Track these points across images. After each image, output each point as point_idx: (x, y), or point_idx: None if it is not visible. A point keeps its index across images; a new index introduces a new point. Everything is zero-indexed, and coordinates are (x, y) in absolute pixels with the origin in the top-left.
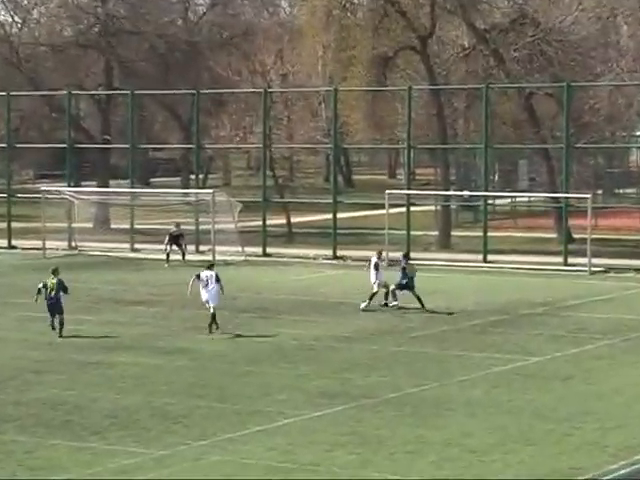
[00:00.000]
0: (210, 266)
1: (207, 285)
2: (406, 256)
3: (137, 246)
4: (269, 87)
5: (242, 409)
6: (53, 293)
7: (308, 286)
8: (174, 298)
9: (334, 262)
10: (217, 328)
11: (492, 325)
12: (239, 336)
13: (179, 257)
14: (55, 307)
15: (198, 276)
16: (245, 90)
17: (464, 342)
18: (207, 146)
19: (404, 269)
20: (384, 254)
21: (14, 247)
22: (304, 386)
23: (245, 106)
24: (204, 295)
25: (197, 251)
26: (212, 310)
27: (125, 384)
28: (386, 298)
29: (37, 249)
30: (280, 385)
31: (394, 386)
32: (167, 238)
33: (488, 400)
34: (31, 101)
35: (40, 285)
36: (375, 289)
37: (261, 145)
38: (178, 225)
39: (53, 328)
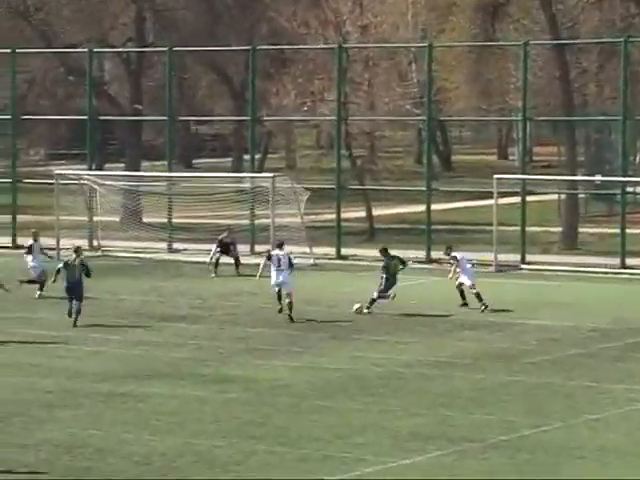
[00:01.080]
0: (280, 245)
1: (279, 266)
2: (385, 252)
3: (176, 246)
4: (344, 42)
5: (310, 454)
6: (76, 274)
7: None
8: (223, 312)
9: (428, 266)
10: (292, 322)
11: (633, 349)
12: (308, 361)
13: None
14: (75, 291)
15: (269, 257)
16: (314, 46)
17: (596, 370)
18: (265, 118)
19: (386, 268)
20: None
21: (20, 247)
22: (390, 426)
23: (314, 67)
24: (274, 277)
25: (252, 252)
26: (288, 299)
27: (161, 422)
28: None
29: (49, 249)
30: (359, 424)
31: (505, 426)
32: (216, 245)
33: (628, 445)
34: (42, 60)
35: (60, 265)
36: None
37: (335, 117)
38: (230, 230)
39: (70, 315)
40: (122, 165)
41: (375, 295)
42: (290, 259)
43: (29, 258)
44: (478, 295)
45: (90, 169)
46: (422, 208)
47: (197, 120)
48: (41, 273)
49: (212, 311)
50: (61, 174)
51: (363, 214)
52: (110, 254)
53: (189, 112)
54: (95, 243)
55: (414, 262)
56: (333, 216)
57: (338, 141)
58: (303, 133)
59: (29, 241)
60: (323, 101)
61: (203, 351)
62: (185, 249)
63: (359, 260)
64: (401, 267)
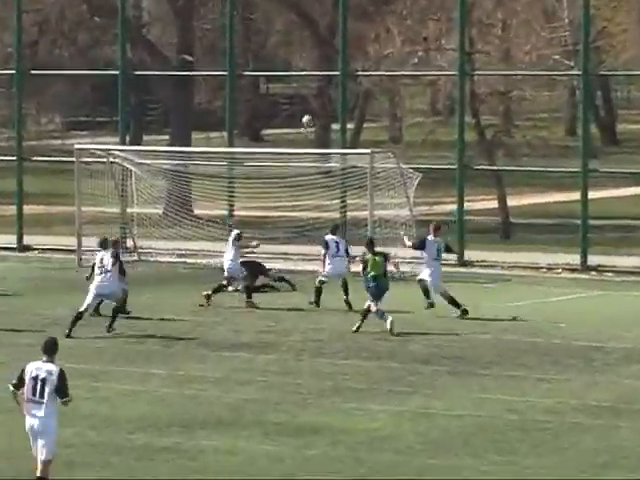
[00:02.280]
0: (335, 228)
1: (338, 251)
2: (370, 244)
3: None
4: None
5: None
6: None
7: (535, 318)
8: (303, 338)
9: (583, 276)
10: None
11: None
12: (417, 405)
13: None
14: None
15: (326, 244)
16: None
17: None
18: (361, 73)
19: (364, 266)
20: None
21: (28, 248)
22: None
23: (428, 3)
24: (334, 267)
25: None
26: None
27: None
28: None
29: (67, 250)
30: None
31: None
32: None
33: None
34: None
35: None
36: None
37: (455, 72)
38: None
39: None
40: (166, 137)
41: (373, 308)
42: (347, 245)
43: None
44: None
45: (123, 143)
46: (576, 196)
47: (268, 76)
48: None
49: (287, 336)
50: (83, 149)
51: (494, 204)
52: (149, 258)
53: (257, 66)
54: (130, 243)
55: (562, 270)
56: (453, 207)
57: (461, 105)
58: (413, 94)
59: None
60: (440, 50)
61: (275, 391)
62: (250, 252)
63: (488, 267)
64: (383, 270)
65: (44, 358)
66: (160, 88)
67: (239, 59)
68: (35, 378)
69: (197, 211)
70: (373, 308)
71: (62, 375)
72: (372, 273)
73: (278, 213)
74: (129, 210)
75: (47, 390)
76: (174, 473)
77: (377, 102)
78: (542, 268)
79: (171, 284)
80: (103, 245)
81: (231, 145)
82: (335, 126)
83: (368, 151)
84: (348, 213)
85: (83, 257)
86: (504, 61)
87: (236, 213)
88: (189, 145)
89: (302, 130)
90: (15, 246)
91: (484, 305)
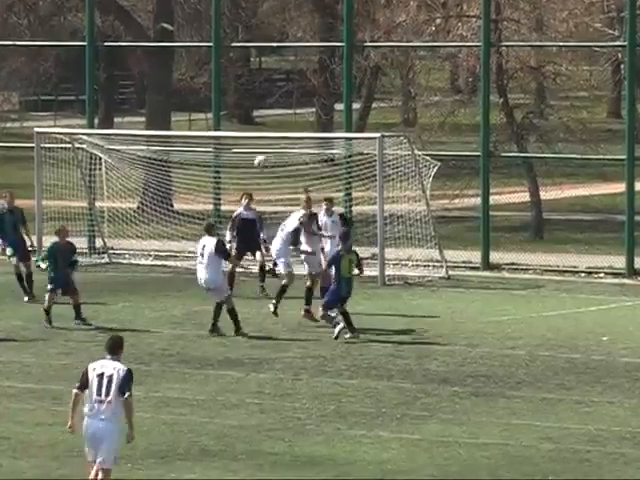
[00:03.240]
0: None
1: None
2: (345, 222)
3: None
4: None
5: None
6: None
7: (573, 331)
8: (301, 353)
9: (628, 281)
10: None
11: None
12: (435, 432)
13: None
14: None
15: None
16: None
17: None
18: (369, 44)
19: (337, 258)
20: None
21: None
22: None
23: None
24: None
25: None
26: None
27: None
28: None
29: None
30: None
31: None
32: None
33: None
34: None
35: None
36: None
37: (477, 42)
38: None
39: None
40: (142, 120)
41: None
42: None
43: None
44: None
45: (90, 126)
46: (621, 188)
47: (260, 47)
48: None
49: (283, 351)
50: (44, 133)
51: (525, 198)
52: (122, 260)
53: (248, 36)
54: (100, 243)
55: (604, 275)
56: (477, 201)
57: (485, 81)
58: (430, 68)
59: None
60: (461, 17)
61: (270, 416)
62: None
63: (518, 271)
64: (356, 272)
65: (108, 357)
66: (134, 62)
67: (226, 28)
68: (101, 375)
69: (178, 206)
70: (320, 312)
71: (129, 373)
72: (344, 274)
73: (273, 208)
74: (98, 204)
75: (113, 388)
76: None
77: (388, 78)
78: (580, 272)
79: (147, 291)
80: None
81: (217, 128)
82: (339, 106)
83: (377, 135)
84: (354, 207)
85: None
86: (536, 30)
87: (223, 208)
88: (168, 129)
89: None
90: None
91: (513, 315)
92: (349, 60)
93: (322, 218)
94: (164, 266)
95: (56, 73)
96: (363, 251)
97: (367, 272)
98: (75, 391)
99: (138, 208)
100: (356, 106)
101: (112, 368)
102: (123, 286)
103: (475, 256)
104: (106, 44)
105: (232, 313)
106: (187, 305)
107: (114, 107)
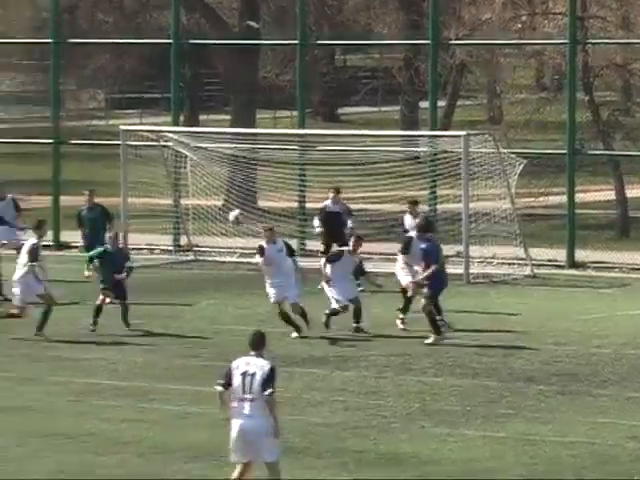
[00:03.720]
0: None
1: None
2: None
3: (310, 246)
4: None
5: None
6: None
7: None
8: (387, 351)
9: None
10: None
11: None
12: (520, 431)
13: None
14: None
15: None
16: None
17: None
18: (455, 42)
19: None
20: None
21: (63, 245)
22: None
23: None
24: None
25: None
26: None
27: None
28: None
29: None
30: None
31: None
32: None
33: None
34: None
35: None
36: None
37: (563, 40)
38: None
39: None
40: (227, 117)
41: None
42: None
43: None
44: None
45: (176, 123)
46: None
47: (346, 46)
48: None
49: (369, 349)
50: (130, 131)
51: (611, 196)
52: (207, 258)
53: (333, 33)
54: (184, 241)
55: None
56: (562, 199)
57: (571, 79)
58: (515, 66)
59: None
60: (546, 15)
61: (354, 413)
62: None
63: (605, 269)
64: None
65: (252, 353)
66: (220, 60)
67: (312, 26)
68: (244, 374)
69: (262, 203)
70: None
71: (273, 371)
72: (442, 267)
73: (357, 206)
74: (183, 202)
75: (256, 385)
76: None
77: (473, 76)
78: None
79: (231, 289)
80: None
81: (302, 126)
82: (424, 104)
83: (463, 133)
84: (439, 205)
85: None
86: (622, 28)
87: (308, 205)
88: (253, 126)
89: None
90: (51, 243)
91: (599, 314)
92: (434, 58)
93: (408, 221)
94: (249, 263)
95: (142, 71)
96: (448, 249)
97: (452, 270)
98: (220, 389)
99: (223, 205)
100: (441, 104)
101: (255, 365)
102: (208, 284)
103: (560, 254)
104: (191, 42)
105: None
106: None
107: (199, 105)
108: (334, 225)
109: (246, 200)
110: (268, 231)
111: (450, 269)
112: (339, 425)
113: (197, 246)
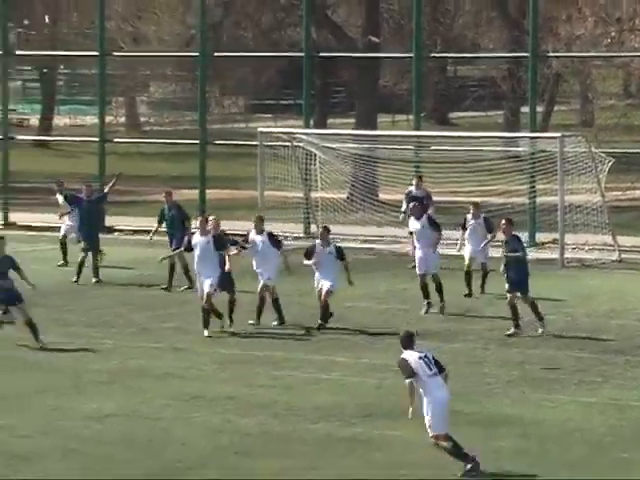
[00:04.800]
0: None
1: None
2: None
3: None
4: None
5: None
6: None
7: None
8: (491, 326)
9: None
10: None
11: None
12: (609, 396)
13: None
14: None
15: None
16: None
17: None
18: (552, 54)
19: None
20: None
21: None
22: None
23: None
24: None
25: (532, 243)
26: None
27: (403, 476)
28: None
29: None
30: None
31: None
32: None
33: None
34: None
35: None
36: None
37: None
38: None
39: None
40: (351, 121)
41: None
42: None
43: None
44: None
45: (307, 126)
46: None
47: (456, 58)
48: None
49: (476, 324)
50: (267, 133)
51: None
52: (336, 242)
53: (445, 47)
54: (313, 228)
55: None
56: None
57: None
58: (605, 76)
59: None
60: (633, 31)
61: (463, 381)
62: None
63: None
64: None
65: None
66: (345, 70)
67: (426, 40)
68: (422, 357)
69: (383, 196)
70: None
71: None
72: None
73: (465, 198)
74: (313, 195)
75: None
76: (358, 464)
77: (567, 85)
78: None
79: (355, 270)
80: None
81: (418, 128)
82: (525, 109)
83: (558, 135)
84: (537, 198)
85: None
86: None
87: None
88: (374, 128)
89: None
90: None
91: None
92: (534, 69)
93: (470, 221)
94: (370, 249)
95: (277, 80)
96: (546, 237)
97: (548, 255)
98: (408, 381)
99: (347, 198)
100: (539, 109)
101: (421, 351)
102: None
103: None
104: (321, 55)
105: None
106: (392, 282)
107: (328, 110)
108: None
109: (368, 193)
110: (324, 232)
111: (547, 254)
112: (451, 391)
113: None
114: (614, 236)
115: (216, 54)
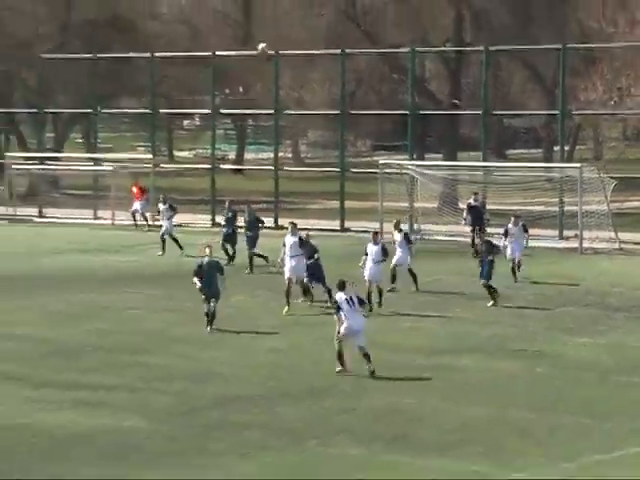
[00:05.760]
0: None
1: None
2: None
3: (490, 230)
4: None
5: (615, 427)
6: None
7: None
8: (532, 292)
9: None
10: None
11: None
12: (613, 340)
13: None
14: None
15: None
16: (621, 44)
17: None
18: (574, 112)
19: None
20: None
21: (347, 229)
22: None
23: (621, 64)
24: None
25: (560, 237)
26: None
27: (473, 393)
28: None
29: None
30: None
31: None
32: None
33: None
34: (369, 60)
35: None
36: None
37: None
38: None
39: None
40: (440, 155)
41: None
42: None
43: None
44: None
45: (411, 159)
46: None
47: (510, 114)
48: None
49: (521, 290)
50: (385, 164)
51: None
52: (429, 237)
53: (503, 106)
54: (415, 227)
55: None
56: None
57: None
58: (610, 126)
59: None
60: (629, 96)
61: (512, 329)
62: (497, 233)
63: None
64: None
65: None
66: (436, 122)
67: (490, 102)
68: (348, 298)
69: (461, 205)
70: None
71: None
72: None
73: (516, 207)
74: (415, 205)
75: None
76: (444, 382)
77: (585, 132)
78: None
79: (443, 256)
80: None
81: (485, 160)
82: (556, 148)
83: (578, 165)
84: (564, 207)
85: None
86: None
87: (488, 207)
88: (456, 160)
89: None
90: (338, 228)
91: None
92: (562, 121)
93: (512, 229)
94: (454, 241)
95: (392, 129)
96: (570, 233)
97: (572, 245)
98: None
99: (437, 207)
100: (566, 148)
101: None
102: (429, 252)
103: (638, 237)
104: (420, 112)
105: None
106: (467, 263)
107: (425, 149)
108: (476, 215)
109: (451, 203)
110: (374, 235)
111: (571, 245)
112: (503, 336)
113: (422, 230)
114: (616, 232)
115: (351, 112)
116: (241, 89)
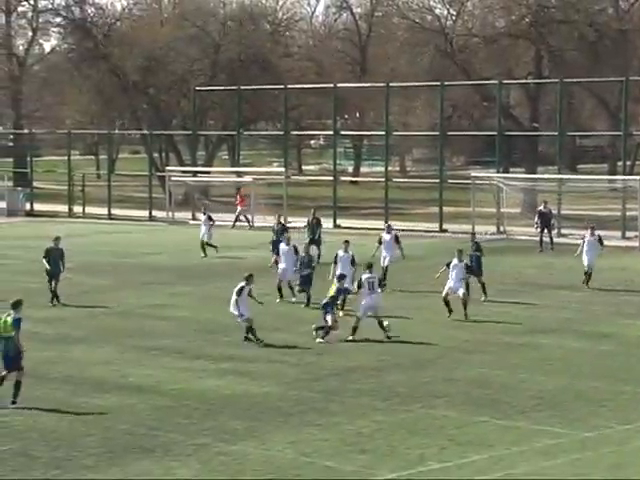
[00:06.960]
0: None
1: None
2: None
3: (563, 231)
4: None
5: None
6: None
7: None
8: (600, 284)
9: None
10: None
11: None
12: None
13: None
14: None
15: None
16: None
17: None
18: (635, 133)
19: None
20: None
21: (445, 230)
22: None
23: None
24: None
25: (623, 237)
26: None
27: (550, 366)
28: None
29: (466, 233)
30: None
31: None
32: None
33: None
34: (463, 90)
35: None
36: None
37: None
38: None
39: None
40: (522, 169)
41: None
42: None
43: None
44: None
45: (498, 172)
46: None
47: (581, 135)
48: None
49: (591, 282)
50: (476, 176)
51: None
52: (513, 237)
53: (575, 128)
54: (501, 228)
55: None
56: None
57: None
58: None
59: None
60: None
61: (582, 313)
62: (571, 234)
63: None
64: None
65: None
66: (519, 142)
67: (564, 125)
68: (369, 278)
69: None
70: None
71: None
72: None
73: (584, 212)
74: (501, 210)
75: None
76: (526, 357)
77: None
78: None
79: (524, 252)
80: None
81: (559, 173)
82: (619, 163)
83: (638, 178)
84: (626, 212)
85: (478, 236)
86: None
87: (563, 212)
88: (535, 174)
89: None
90: (437, 229)
91: None
92: (625, 141)
93: (588, 238)
94: (534, 240)
95: (482, 147)
96: (631, 234)
97: (633, 244)
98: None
99: (520, 212)
100: (628, 163)
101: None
102: (513, 249)
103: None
104: (506, 134)
105: None
106: (545, 259)
107: (510, 163)
108: (545, 221)
109: (530, 208)
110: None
111: (632, 243)
112: (574, 319)
113: (507, 231)
114: None
115: (448, 133)
116: (358, 115)
